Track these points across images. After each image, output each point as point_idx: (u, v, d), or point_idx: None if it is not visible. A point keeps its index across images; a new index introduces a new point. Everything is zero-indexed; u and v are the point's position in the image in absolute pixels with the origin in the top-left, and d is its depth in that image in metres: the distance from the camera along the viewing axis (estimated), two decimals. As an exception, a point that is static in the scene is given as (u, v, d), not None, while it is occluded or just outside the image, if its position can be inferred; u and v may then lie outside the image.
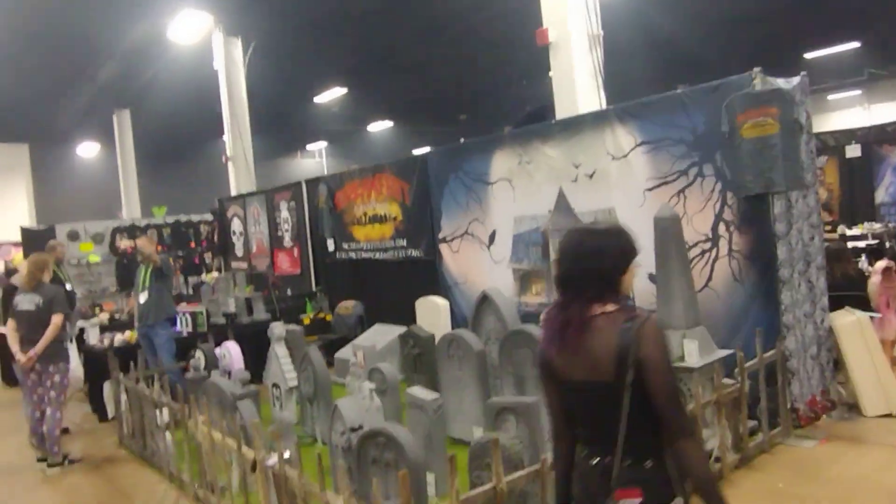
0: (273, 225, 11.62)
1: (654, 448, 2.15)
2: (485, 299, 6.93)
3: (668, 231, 5.48)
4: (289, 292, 10.24)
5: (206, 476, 5.15)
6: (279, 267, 11.48)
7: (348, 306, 9.78)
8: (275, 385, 7.24)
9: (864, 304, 6.17)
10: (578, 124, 6.72)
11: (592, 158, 6.53)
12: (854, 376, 5.73)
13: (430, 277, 8.54)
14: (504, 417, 4.66)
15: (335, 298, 10.19)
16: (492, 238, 7.72)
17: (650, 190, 6.12)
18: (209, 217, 14.38)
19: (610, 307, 2.23)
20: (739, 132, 5.27)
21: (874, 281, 6.20)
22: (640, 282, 6.25)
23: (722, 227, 5.67)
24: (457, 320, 8.02)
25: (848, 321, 5.76)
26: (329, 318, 10.16)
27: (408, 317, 8.63)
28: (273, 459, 4.27)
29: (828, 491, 4.52)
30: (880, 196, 12.54)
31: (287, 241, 11.28)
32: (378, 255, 9.40)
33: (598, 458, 2.20)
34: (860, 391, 5.73)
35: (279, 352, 7.26)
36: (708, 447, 4.75)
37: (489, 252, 7.76)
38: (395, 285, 9.15)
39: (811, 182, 5.50)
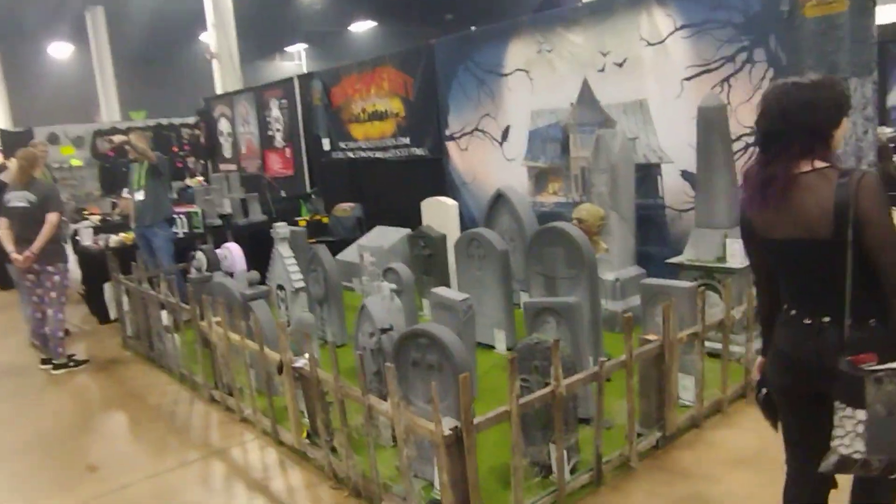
0: (263, 124, 10.95)
1: (876, 307, 2.04)
2: (499, 198, 6.53)
3: (713, 122, 5.05)
4: (283, 194, 9.72)
5: (224, 378, 4.84)
6: (270, 168, 10.90)
7: (346, 208, 9.32)
8: (279, 287, 6.86)
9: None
10: (609, 7, 6.11)
11: (624, 45, 5.99)
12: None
13: (436, 177, 8.08)
14: (543, 319, 4.34)
15: (331, 200, 9.71)
16: (505, 134, 7.23)
17: (689, 79, 5.63)
18: (191, 120, 13.59)
19: (820, 163, 2.10)
20: (801, 11, 4.77)
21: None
22: (670, 179, 5.89)
23: (769, 119, 5.24)
24: (465, 222, 7.60)
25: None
26: (325, 220, 9.69)
27: (411, 219, 8.20)
28: (302, 360, 3.93)
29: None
30: (892, 99, 12.11)
31: (278, 141, 10.66)
32: (378, 155, 8.87)
33: (812, 319, 2.14)
34: None
35: (283, 252, 6.84)
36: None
37: (501, 149, 7.29)
38: (396, 186, 8.68)
39: (874, 68, 5.04)
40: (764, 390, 2.38)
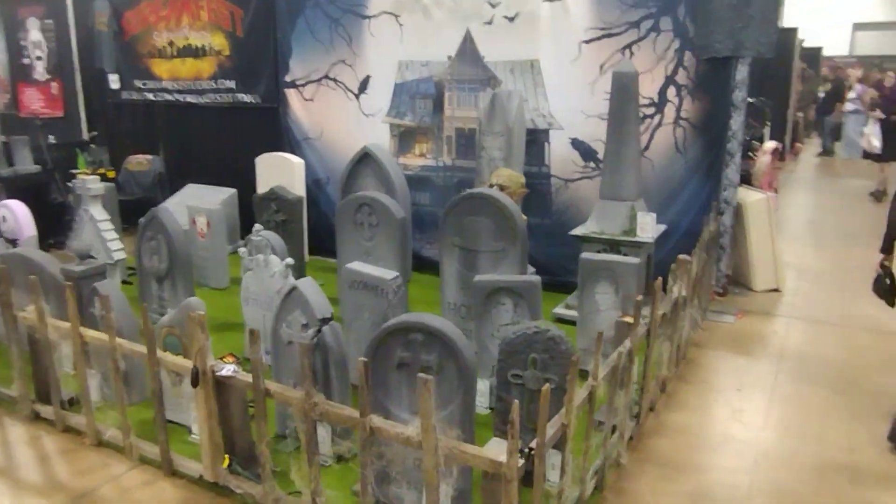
0: (15, 50, 8.62)
1: None
2: (365, 157, 5.76)
3: (628, 89, 4.84)
4: (52, 140, 7.73)
5: (55, 388, 3.56)
6: (26, 107, 8.65)
7: (142, 161, 7.74)
8: (88, 257, 5.39)
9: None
10: (501, -46, 5.61)
11: (517, -2, 5.54)
12: (752, 252, 5.83)
13: (269, 130, 6.96)
14: (497, 300, 3.78)
15: (120, 150, 8.00)
16: (363, 85, 6.40)
17: (588, 42, 5.36)
18: None
19: None
20: (719, -18, 4.71)
21: (764, 160, 6.30)
22: (559, 147, 5.62)
23: (672, 92, 5.18)
24: (307, 184, 6.66)
25: (755, 199, 5.77)
26: (112, 174, 7.96)
27: (234, 177, 7.05)
28: (229, 367, 2.93)
29: (785, 365, 4.49)
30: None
31: (40, 73, 8.47)
32: (190, 99, 7.42)
33: None
34: (755, 267, 5.87)
35: (97, 214, 5.38)
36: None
37: (358, 102, 6.44)
38: (214, 137, 7.36)
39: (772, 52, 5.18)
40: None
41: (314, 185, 6.67)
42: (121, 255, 5.44)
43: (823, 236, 7.81)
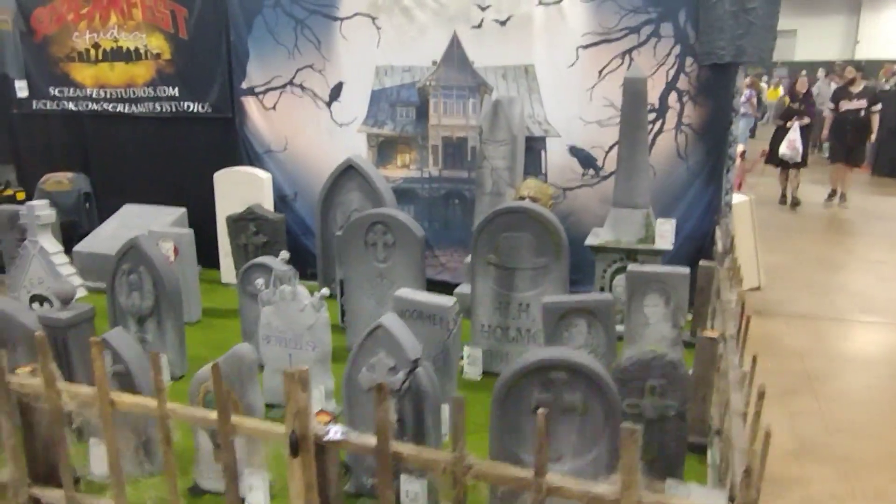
0: None
1: None
2: (348, 170, 5.37)
3: (640, 95, 4.76)
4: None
5: (68, 467, 2.97)
6: None
7: (62, 180, 6.82)
8: (35, 298, 4.64)
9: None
10: (491, -45, 5.37)
11: (510, 0, 5.31)
12: (738, 252, 5.95)
13: (221, 141, 6.33)
14: (570, 322, 3.55)
15: (31, 168, 7.02)
16: (335, 93, 5.94)
17: (585, 48, 5.24)
18: None
19: None
20: (721, -11, 4.73)
21: (736, 164, 6.46)
22: (555, 155, 5.48)
23: (673, 98, 5.16)
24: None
25: (739, 201, 5.90)
26: (21, 195, 6.99)
27: (179, 195, 6.40)
28: (336, 429, 2.50)
29: (784, 364, 4.58)
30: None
31: (-79, 79, 7.26)
32: (121, 109, 6.60)
33: None
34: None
35: (48, 246, 4.62)
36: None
37: (329, 111, 5.98)
38: (153, 151, 6.60)
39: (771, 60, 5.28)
40: None
41: (279, 202, 6.12)
42: (82, 293, 4.70)
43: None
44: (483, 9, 5.39)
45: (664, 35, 5.07)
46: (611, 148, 5.30)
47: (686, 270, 4.03)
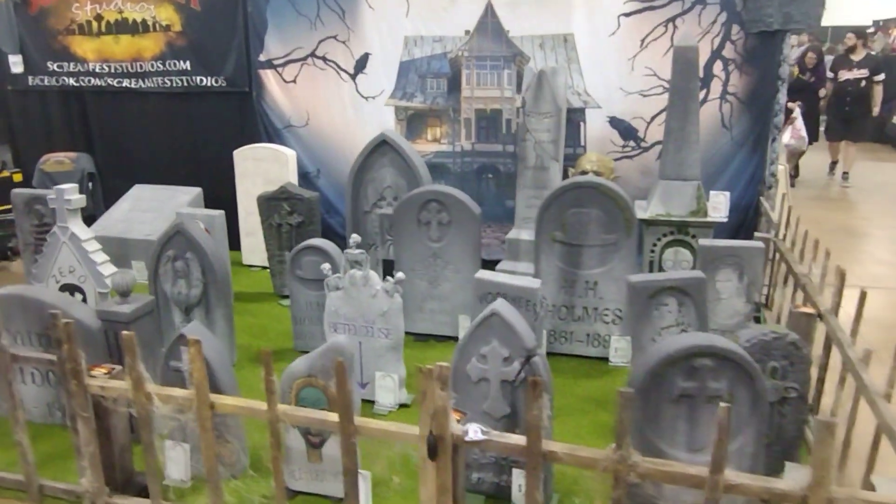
0: None
1: None
2: (381, 145, 5.17)
3: (692, 63, 4.64)
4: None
5: (154, 474, 2.81)
6: None
7: (63, 160, 6.46)
8: (67, 287, 4.40)
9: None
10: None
11: (548, -33, 5.13)
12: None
13: (237, 117, 6.08)
14: (660, 301, 3.46)
15: (29, 148, 6.65)
16: (361, 64, 5.70)
17: (627, 15, 5.10)
18: None
19: None
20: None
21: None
22: (595, 126, 5.36)
23: (718, 66, 5.06)
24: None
25: (780, 168, 5.86)
26: (19, 177, 6.61)
27: (193, 174, 6.14)
28: (474, 428, 2.38)
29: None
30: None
31: None
32: (127, 84, 6.26)
33: None
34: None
35: (80, 232, 4.34)
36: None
37: (354, 83, 5.75)
38: (162, 128, 6.30)
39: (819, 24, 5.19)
40: None
41: (301, 179, 5.89)
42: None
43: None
44: (519, -24, 5.20)
45: (710, 2, 4.95)
46: (653, 118, 5.20)
47: (761, 245, 3.96)
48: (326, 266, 3.74)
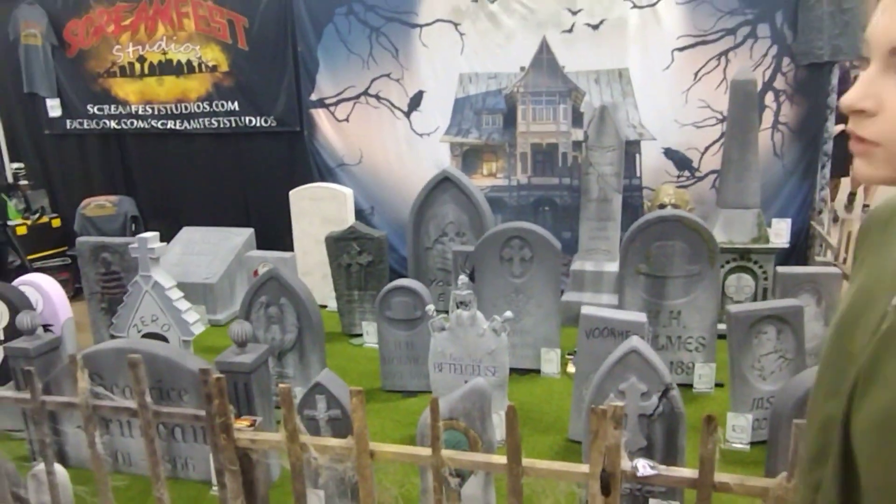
0: None
1: None
2: (444, 181, 5.25)
3: (750, 97, 4.81)
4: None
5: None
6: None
7: (104, 204, 6.39)
8: (149, 336, 4.37)
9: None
10: (582, -42, 5.31)
11: (602, 4, 5.28)
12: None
13: (287, 156, 6.09)
14: (759, 330, 3.56)
15: (67, 192, 6.57)
16: (415, 102, 5.78)
17: (681, 50, 5.27)
18: None
19: None
20: (818, -11, 4.83)
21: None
22: (650, 158, 5.50)
23: (770, 97, 5.24)
24: (344, 214, 5.92)
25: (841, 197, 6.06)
26: (57, 222, 6.53)
27: (241, 215, 6.14)
28: (645, 464, 2.43)
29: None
30: None
31: (-66, 100, 6.66)
32: (172, 125, 6.24)
33: None
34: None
35: (163, 281, 4.33)
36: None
37: (409, 121, 5.82)
38: (210, 170, 6.29)
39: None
40: None
41: (357, 217, 5.92)
42: (199, 329, 4.41)
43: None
44: (574, 13, 5.34)
45: (761, 36, 5.15)
46: (706, 149, 5.36)
47: (838, 270, 4.11)
48: (431, 308, 3.78)
